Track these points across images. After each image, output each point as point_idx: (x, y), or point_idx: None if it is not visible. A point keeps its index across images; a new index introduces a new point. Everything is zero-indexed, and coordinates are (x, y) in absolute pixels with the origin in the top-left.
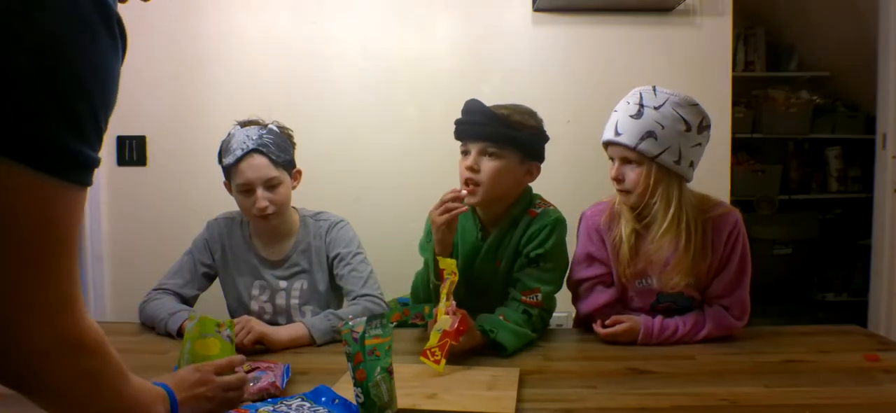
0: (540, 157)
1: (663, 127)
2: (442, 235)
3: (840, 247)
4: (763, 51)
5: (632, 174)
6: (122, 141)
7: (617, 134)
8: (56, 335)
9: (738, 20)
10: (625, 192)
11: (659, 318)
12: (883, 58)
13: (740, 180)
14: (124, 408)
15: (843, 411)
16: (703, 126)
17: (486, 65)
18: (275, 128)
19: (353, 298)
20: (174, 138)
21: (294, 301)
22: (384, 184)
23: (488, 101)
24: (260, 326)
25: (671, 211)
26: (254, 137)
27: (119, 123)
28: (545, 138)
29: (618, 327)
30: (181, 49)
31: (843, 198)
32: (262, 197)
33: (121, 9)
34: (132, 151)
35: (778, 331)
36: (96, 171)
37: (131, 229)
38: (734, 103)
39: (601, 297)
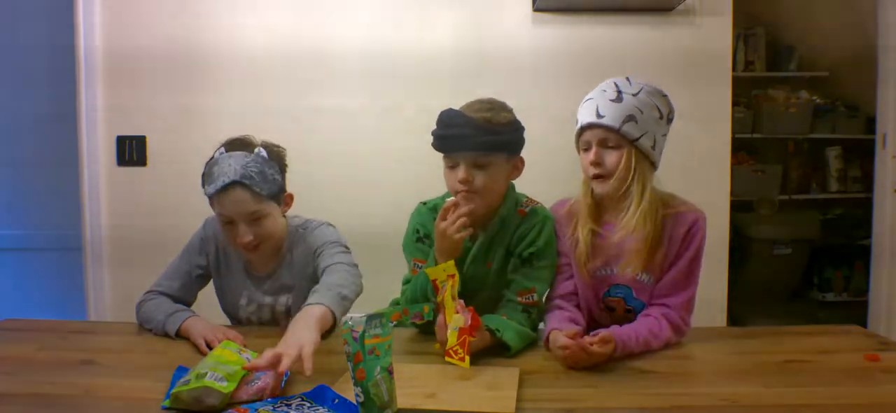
0: (520, 149)
1: (642, 112)
2: (457, 244)
3: (840, 247)
4: (763, 51)
5: (611, 158)
6: (122, 141)
7: (599, 116)
8: None
9: (738, 20)
10: (602, 177)
11: (625, 327)
12: (883, 58)
13: (740, 180)
14: None
15: (843, 411)
16: (671, 117)
17: (486, 65)
18: (262, 153)
19: (324, 269)
20: (174, 138)
21: (280, 312)
22: (384, 183)
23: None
24: (289, 362)
25: (646, 195)
26: (237, 168)
27: (119, 123)
28: (522, 128)
29: (598, 334)
30: (181, 49)
31: (843, 198)
32: (244, 232)
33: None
34: (132, 151)
35: (778, 331)
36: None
37: (131, 229)
38: (734, 103)
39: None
